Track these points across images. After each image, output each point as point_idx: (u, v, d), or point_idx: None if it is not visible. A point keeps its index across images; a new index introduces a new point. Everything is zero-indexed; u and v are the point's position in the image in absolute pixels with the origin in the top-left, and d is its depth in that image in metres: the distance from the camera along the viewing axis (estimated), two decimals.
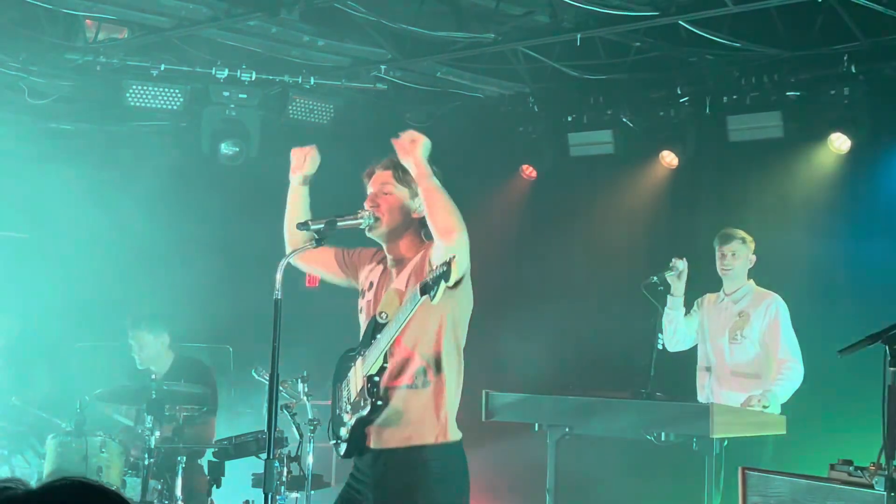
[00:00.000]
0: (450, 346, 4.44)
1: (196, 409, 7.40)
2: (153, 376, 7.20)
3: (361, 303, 4.66)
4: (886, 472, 4.53)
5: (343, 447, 4.53)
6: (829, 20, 7.50)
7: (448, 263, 4.10)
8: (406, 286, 4.42)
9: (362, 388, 4.41)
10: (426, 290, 4.15)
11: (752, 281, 7.20)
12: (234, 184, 9.92)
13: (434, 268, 4.17)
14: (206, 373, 8.04)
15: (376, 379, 4.38)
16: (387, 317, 4.39)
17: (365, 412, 4.39)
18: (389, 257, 4.58)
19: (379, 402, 4.38)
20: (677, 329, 7.29)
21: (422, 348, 4.40)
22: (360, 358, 4.50)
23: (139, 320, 8.01)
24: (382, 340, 4.36)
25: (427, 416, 4.39)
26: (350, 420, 4.47)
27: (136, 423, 7.55)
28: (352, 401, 4.49)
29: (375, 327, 4.43)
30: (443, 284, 4.10)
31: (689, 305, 7.33)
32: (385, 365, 4.39)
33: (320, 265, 4.85)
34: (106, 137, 10.13)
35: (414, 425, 4.38)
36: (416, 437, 4.38)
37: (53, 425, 7.63)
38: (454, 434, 4.44)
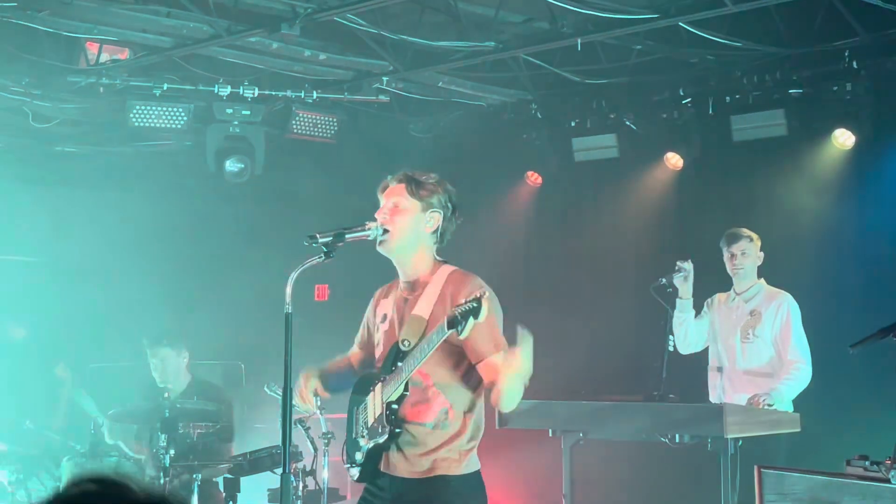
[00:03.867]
0: (471, 385, 4.41)
1: (211, 427, 7.39)
2: (166, 395, 7.20)
3: (378, 335, 4.59)
4: None
5: (357, 471, 4.48)
6: (829, 16, 7.50)
7: (479, 299, 4.04)
8: (429, 315, 4.35)
9: (380, 414, 4.36)
10: (454, 324, 4.07)
11: (762, 280, 7.19)
12: (241, 200, 9.95)
13: (463, 302, 4.12)
14: (222, 394, 8.02)
15: (395, 406, 4.34)
16: (409, 344, 4.33)
17: (382, 439, 4.35)
18: (402, 281, 4.51)
19: (397, 430, 4.34)
20: (688, 331, 7.28)
21: (444, 389, 4.36)
22: (380, 383, 4.43)
23: (160, 337, 7.98)
24: (405, 369, 4.30)
25: (448, 453, 4.34)
26: (366, 445, 4.42)
27: (148, 449, 7.55)
28: (369, 426, 4.44)
29: (397, 354, 4.37)
30: (471, 321, 4.04)
31: (699, 307, 7.32)
32: (406, 393, 4.33)
33: (366, 364, 4.74)
34: (111, 159, 10.16)
35: (433, 460, 4.34)
36: (435, 470, 4.34)
37: (68, 448, 7.64)
38: (473, 465, 4.41)
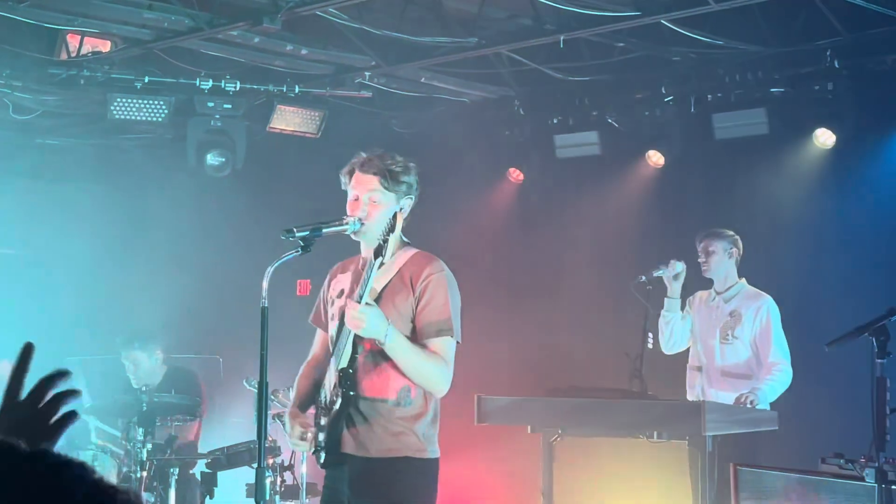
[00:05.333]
0: None
1: (188, 420, 7.40)
2: (143, 388, 7.19)
3: (332, 310, 4.56)
4: (876, 464, 4.55)
5: (322, 456, 4.43)
6: (811, 16, 7.52)
7: (394, 216, 4.15)
8: (382, 287, 4.38)
9: (335, 384, 4.36)
10: (378, 252, 4.15)
11: (743, 280, 7.20)
12: (222, 194, 9.92)
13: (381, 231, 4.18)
14: (194, 381, 8.04)
15: (349, 371, 4.33)
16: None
17: (338, 405, 4.32)
18: (364, 258, 4.50)
19: (351, 393, 4.31)
20: (674, 330, 7.27)
21: None
22: (333, 358, 4.44)
23: (132, 339, 7.98)
24: (350, 330, 4.30)
25: (412, 433, 4.35)
26: (327, 422, 4.39)
27: (125, 436, 7.54)
28: (327, 403, 4.43)
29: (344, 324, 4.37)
30: (391, 238, 4.13)
31: (682, 306, 7.33)
32: (356, 356, 4.33)
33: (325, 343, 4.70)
34: (91, 151, 10.12)
35: (396, 440, 4.34)
36: (399, 451, 4.34)
37: None
38: (435, 452, 4.42)
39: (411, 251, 4.47)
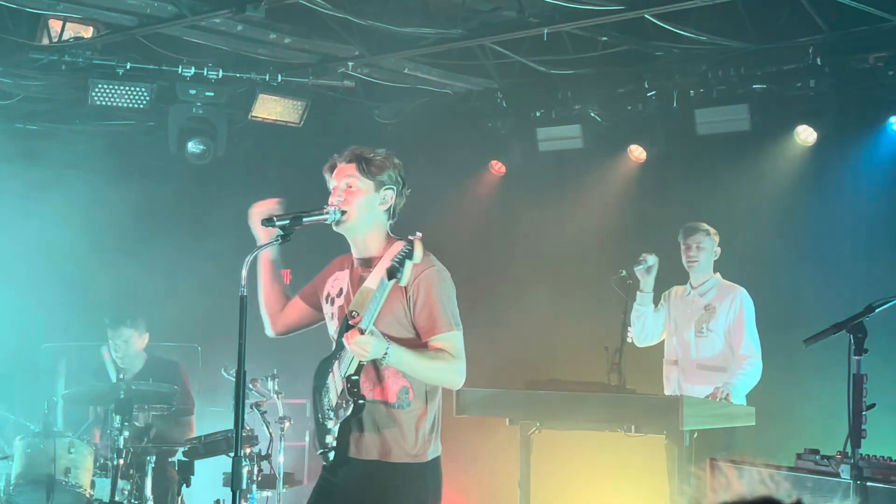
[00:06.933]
0: None
1: (165, 409, 7.37)
2: (121, 376, 7.17)
3: (332, 309, 4.56)
4: (852, 461, 4.56)
5: (332, 455, 4.41)
6: (794, 13, 7.53)
7: (411, 242, 4.14)
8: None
9: (342, 390, 4.35)
10: (393, 273, 4.13)
11: (718, 274, 7.23)
12: (202, 181, 9.90)
13: (397, 254, 4.18)
14: (176, 371, 8.01)
15: (355, 378, 4.31)
16: (357, 315, 4.31)
17: (349, 412, 4.32)
18: (356, 257, 4.51)
19: (361, 401, 4.31)
20: (646, 324, 7.31)
21: None
22: (336, 361, 4.43)
23: (122, 317, 7.95)
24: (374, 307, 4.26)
25: (408, 434, 4.33)
26: (335, 426, 4.39)
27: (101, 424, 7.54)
28: (334, 406, 4.42)
29: (347, 328, 4.33)
30: (408, 264, 4.12)
31: (656, 299, 7.36)
32: (363, 363, 4.32)
33: (301, 318, 4.70)
34: (72, 137, 10.08)
35: (392, 441, 4.33)
36: (394, 454, 4.32)
37: (21, 426, 7.58)
38: (434, 451, 4.40)
39: (399, 246, 4.38)
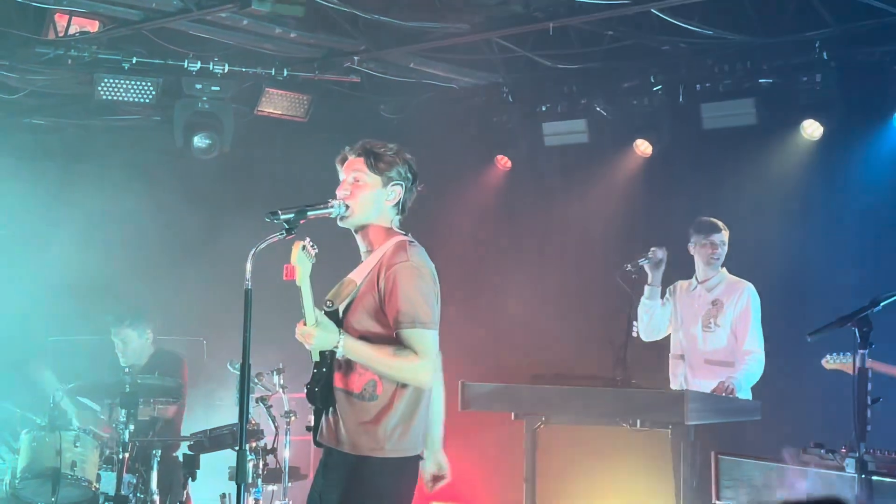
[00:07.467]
0: None
1: (171, 402, 7.40)
2: (126, 370, 7.18)
3: None
4: (857, 455, 4.56)
5: (314, 438, 4.47)
6: (800, 7, 7.53)
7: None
8: (361, 280, 4.35)
9: (310, 377, 4.40)
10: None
11: (724, 269, 7.23)
12: (209, 176, 9.90)
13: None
14: (179, 364, 8.03)
15: (324, 370, 4.33)
16: (331, 305, 4.36)
17: (313, 399, 4.37)
18: (361, 251, 4.51)
19: (315, 389, 4.34)
20: (654, 317, 7.31)
21: None
22: None
23: (123, 318, 7.98)
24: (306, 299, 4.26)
25: (368, 426, 4.27)
26: (313, 411, 4.45)
27: (108, 418, 7.56)
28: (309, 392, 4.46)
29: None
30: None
31: (661, 294, 7.35)
32: (325, 353, 4.31)
33: None
34: (78, 132, 10.09)
35: (359, 432, 4.28)
36: (349, 444, 4.29)
37: (27, 420, 7.60)
38: (398, 450, 4.29)
39: (396, 239, 4.41)
